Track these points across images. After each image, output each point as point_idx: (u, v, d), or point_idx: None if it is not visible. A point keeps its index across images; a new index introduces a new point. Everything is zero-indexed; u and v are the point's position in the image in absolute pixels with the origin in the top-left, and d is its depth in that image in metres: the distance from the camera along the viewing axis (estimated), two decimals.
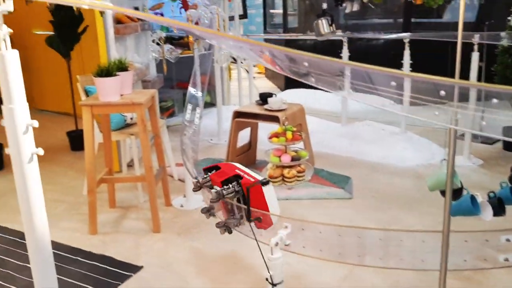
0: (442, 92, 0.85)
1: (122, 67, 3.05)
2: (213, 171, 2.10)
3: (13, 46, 4.28)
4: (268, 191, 1.94)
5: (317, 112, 5.59)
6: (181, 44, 5.81)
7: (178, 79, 6.31)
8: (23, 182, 1.28)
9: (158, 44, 4.22)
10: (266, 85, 8.12)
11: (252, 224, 1.97)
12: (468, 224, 2.85)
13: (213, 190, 1.97)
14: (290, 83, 7.06)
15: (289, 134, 2.80)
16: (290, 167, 2.82)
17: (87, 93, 3.49)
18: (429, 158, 4.11)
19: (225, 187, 1.99)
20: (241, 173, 2.03)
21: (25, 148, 1.25)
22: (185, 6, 5.47)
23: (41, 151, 1.29)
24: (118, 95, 2.91)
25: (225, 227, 1.99)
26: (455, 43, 1.34)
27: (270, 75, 8.41)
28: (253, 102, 4.00)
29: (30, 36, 6.10)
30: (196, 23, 3.85)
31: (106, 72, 2.88)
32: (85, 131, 2.89)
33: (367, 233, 1.84)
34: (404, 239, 1.85)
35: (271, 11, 9.23)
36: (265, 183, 1.97)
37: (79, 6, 0.89)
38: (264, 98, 3.81)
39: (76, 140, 4.67)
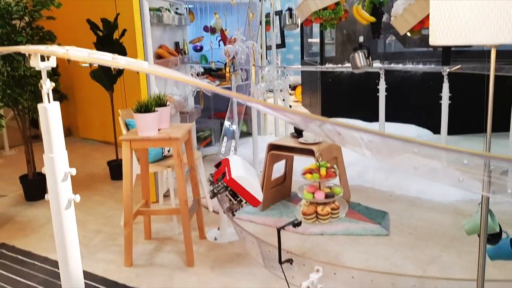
0: (465, 161, 0.83)
1: (160, 102, 3.16)
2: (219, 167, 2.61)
3: (61, 78, 4.51)
4: (243, 181, 2.45)
5: None
6: (219, 76, 5.94)
7: (215, 109, 6.44)
8: (60, 227, 1.34)
9: (197, 75, 4.33)
10: None
11: (283, 265, 1.98)
12: (510, 267, 2.72)
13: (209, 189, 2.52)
14: (327, 112, 7.05)
15: (323, 171, 2.79)
16: (324, 204, 2.80)
17: (127, 126, 3.61)
18: (470, 194, 3.97)
19: (215, 185, 2.48)
20: (226, 170, 2.51)
21: (63, 194, 1.31)
22: (224, 40, 5.60)
23: (77, 198, 1.35)
24: (156, 130, 3.00)
25: (231, 211, 2.58)
26: (496, 75, 1.32)
27: (307, 103, 8.43)
28: (288, 135, 4.02)
29: (77, 68, 6.41)
30: (233, 58, 3.95)
31: (145, 108, 2.98)
32: (124, 165, 2.98)
33: (401, 279, 1.79)
34: (439, 286, 1.78)
35: (309, 40, 9.31)
36: (296, 224, 1.98)
37: (116, 67, 0.94)
38: (299, 131, 3.82)
39: (116, 170, 4.81)
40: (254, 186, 2.46)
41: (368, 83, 4.78)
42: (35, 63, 1.16)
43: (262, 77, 3.80)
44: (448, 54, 5.52)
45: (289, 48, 11.51)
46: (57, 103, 1.24)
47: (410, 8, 3.84)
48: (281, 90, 3.79)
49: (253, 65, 3.76)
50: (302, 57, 8.76)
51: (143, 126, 2.96)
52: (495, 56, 1.25)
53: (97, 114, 6.41)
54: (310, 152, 3.57)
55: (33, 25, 4.10)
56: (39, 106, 1.21)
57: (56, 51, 1.06)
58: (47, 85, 1.20)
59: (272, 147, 3.82)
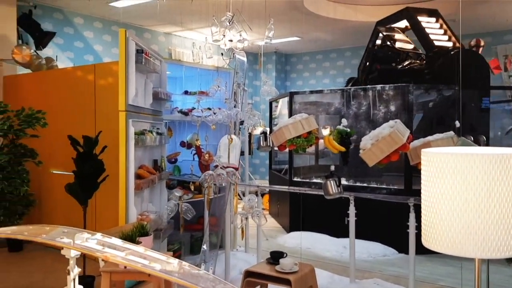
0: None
1: (143, 232, 3.21)
2: None
3: (32, 184, 4.47)
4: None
5: (324, 261, 5.62)
6: (194, 188, 6.04)
7: (186, 221, 6.44)
8: None
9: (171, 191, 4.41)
10: (271, 223, 8.21)
11: None
12: None
13: None
14: (295, 225, 7.18)
15: None
16: None
17: None
18: None
19: None
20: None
21: None
22: (199, 154, 5.82)
23: None
24: None
25: None
26: None
27: (274, 212, 8.57)
28: (264, 261, 4.06)
29: (47, 174, 6.34)
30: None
31: (129, 239, 3.01)
32: None
33: None
34: None
35: (276, 148, 9.68)
36: None
37: (149, 271, 1.00)
38: (275, 257, 3.89)
39: None
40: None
41: (337, 200, 4.96)
42: (67, 252, 1.24)
43: (242, 207, 3.96)
44: (410, 182, 5.89)
45: (256, 154, 11.90)
46: (81, 287, 1.31)
47: (377, 144, 4.19)
48: (258, 216, 3.92)
49: (237, 197, 3.93)
50: (270, 167, 9.06)
51: None
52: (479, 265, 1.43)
53: (64, 221, 6.24)
54: (287, 282, 3.61)
55: (16, 143, 4.16)
56: None
57: (94, 251, 1.15)
58: (74, 272, 1.27)
59: (248, 274, 3.85)
